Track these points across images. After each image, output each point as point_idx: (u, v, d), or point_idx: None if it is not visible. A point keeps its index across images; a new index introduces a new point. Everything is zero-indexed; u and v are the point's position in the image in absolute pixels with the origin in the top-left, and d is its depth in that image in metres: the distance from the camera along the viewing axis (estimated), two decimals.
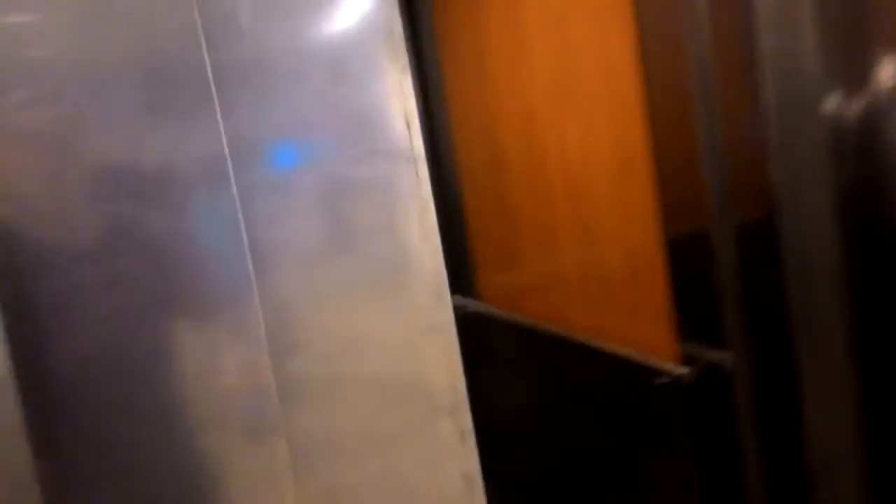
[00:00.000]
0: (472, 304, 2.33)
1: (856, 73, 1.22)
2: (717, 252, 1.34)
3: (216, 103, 0.92)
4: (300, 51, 0.97)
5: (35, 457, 0.83)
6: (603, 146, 1.63)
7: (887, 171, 1.20)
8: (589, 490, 1.94)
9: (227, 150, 0.93)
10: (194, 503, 0.93)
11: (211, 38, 0.92)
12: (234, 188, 0.94)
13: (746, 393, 1.36)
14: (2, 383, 0.81)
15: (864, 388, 1.25)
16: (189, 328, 0.93)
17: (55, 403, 0.86)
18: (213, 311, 0.94)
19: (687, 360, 1.47)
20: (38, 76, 0.86)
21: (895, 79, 1.18)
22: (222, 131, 0.92)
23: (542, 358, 2.04)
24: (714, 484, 1.49)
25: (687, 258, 1.44)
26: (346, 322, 1.02)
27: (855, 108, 1.23)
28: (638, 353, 1.60)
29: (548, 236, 1.92)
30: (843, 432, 1.28)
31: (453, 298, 1.10)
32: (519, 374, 2.20)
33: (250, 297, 0.94)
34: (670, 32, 1.38)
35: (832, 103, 1.24)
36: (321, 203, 1.00)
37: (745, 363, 1.35)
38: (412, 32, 2.29)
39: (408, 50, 1.02)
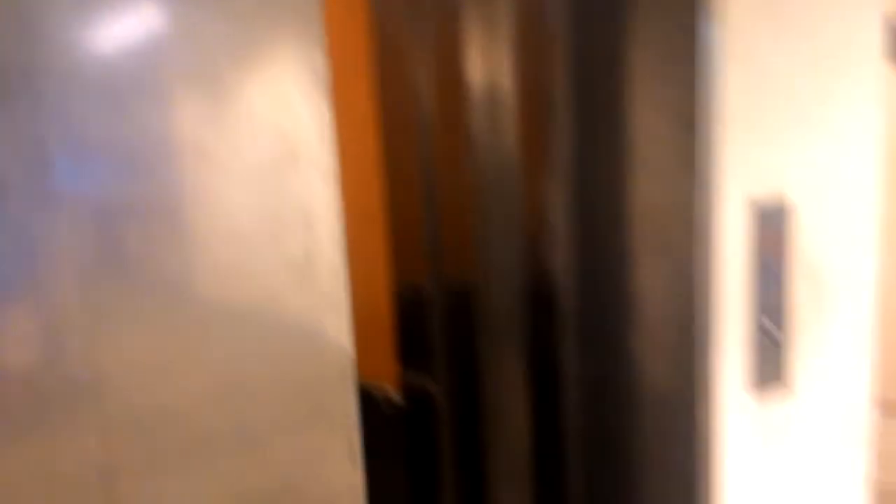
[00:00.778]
0: None
1: None
2: (430, 301, 1.63)
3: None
4: None
5: None
6: (349, 198, 1.86)
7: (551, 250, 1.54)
8: None
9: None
10: None
11: None
12: None
13: (447, 414, 1.66)
14: None
15: (533, 410, 1.58)
16: None
17: None
18: None
19: (406, 389, 1.73)
20: None
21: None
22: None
23: None
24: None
25: (409, 302, 1.71)
26: None
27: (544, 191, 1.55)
28: (370, 383, 1.84)
29: None
30: (518, 449, 1.60)
31: None
32: None
33: None
34: (402, 110, 1.65)
35: (523, 186, 1.55)
36: None
37: (447, 390, 1.64)
38: None
39: None
